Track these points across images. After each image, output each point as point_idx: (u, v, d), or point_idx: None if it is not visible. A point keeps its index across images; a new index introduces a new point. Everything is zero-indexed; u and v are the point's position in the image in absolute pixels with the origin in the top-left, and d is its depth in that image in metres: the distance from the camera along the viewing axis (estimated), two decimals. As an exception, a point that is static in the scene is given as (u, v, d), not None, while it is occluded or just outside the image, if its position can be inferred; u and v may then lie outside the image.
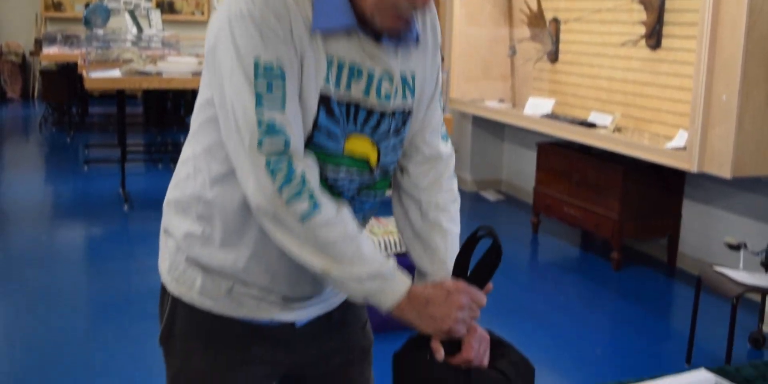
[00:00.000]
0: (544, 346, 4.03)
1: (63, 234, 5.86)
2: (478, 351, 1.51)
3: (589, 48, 5.73)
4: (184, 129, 10.02)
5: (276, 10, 1.40)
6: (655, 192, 5.19)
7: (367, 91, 1.50)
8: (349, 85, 1.47)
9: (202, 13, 12.25)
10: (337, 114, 1.47)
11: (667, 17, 4.94)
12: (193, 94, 9.41)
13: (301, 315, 1.64)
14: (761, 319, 4.21)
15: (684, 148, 4.43)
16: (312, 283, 1.61)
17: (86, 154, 8.45)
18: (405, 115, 1.59)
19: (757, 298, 4.33)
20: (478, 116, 6.98)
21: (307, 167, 1.44)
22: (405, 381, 1.50)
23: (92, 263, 5.25)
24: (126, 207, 6.38)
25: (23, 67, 12.25)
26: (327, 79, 1.45)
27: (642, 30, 5.12)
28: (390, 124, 1.56)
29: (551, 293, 4.87)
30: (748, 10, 3.98)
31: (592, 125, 5.36)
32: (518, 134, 6.99)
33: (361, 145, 1.53)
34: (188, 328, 1.63)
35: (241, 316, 1.60)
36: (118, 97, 7.03)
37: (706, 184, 5.02)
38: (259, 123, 1.40)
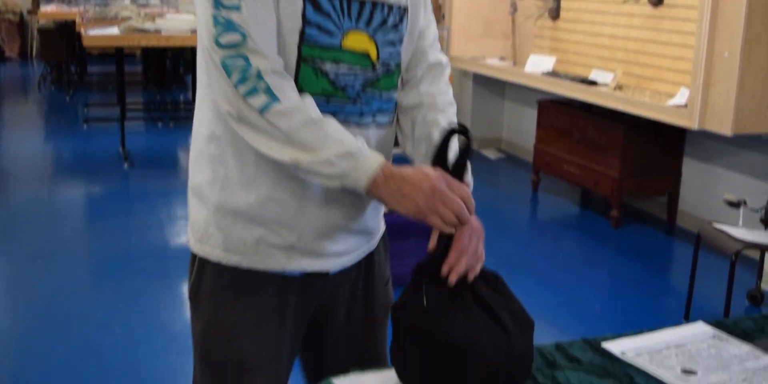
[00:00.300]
0: (544, 303, 4.05)
1: (63, 192, 5.87)
2: (468, 243, 1.51)
3: (590, 5, 5.68)
4: (184, 87, 9.99)
5: None
6: (655, 150, 5.18)
7: None
8: None
9: (201, -29, 12.11)
10: (326, 8, 1.50)
11: (670, -27, 4.89)
12: (192, 52, 9.36)
13: (330, 264, 1.65)
14: (759, 277, 4.23)
15: (685, 106, 4.41)
16: (342, 221, 1.61)
17: (86, 113, 8.43)
18: (401, 11, 1.62)
19: (755, 255, 4.34)
20: (478, 74, 6.95)
21: (269, 65, 1.46)
22: (403, 332, 1.50)
23: (92, 221, 5.26)
24: (126, 165, 6.38)
25: (21, 25, 12.18)
26: None
27: (644, -14, 5.08)
28: (385, 16, 1.59)
29: (550, 251, 4.89)
30: (752, -34, 3.94)
31: (593, 83, 5.33)
32: (519, 92, 6.96)
33: (359, 40, 1.56)
34: (216, 284, 1.63)
35: (271, 269, 1.60)
36: (117, 55, 6.99)
37: (707, 142, 5.01)
38: (215, 20, 1.45)
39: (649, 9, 5.08)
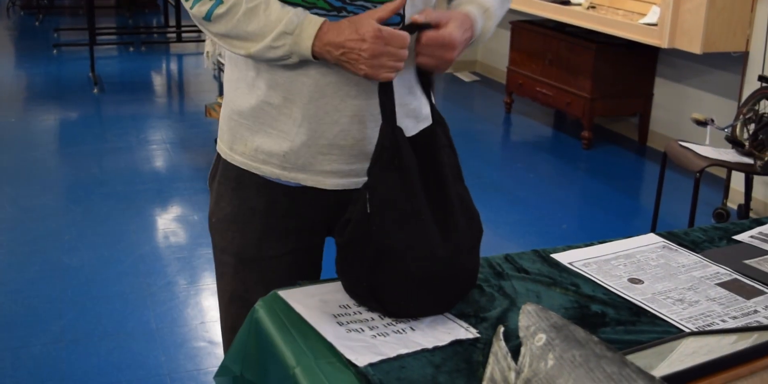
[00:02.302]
0: (512, 221, 4.07)
1: (32, 117, 5.80)
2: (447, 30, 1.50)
3: None
4: (157, 11, 9.83)
5: None
6: (627, 71, 5.15)
7: None
8: None
9: None
10: None
11: None
12: (163, -26, 9.20)
13: (326, 183, 1.65)
14: (726, 195, 4.26)
15: (656, 24, 4.38)
16: (337, 139, 1.60)
17: (56, 38, 8.29)
18: None
19: (723, 174, 4.36)
20: (453, -5, 6.85)
21: None
22: (346, 241, 1.50)
23: (62, 145, 5.22)
24: (96, 90, 6.30)
25: (-12, -53, 11.88)
26: None
27: None
28: None
29: (522, 171, 4.90)
30: None
31: (566, 2, 5.27)
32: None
33: None
34: (223, 177, 1.71)
35: (267, 175, 1.65)
36: (85, -23, 6.85)
37: (678, 62, 4.99)
38: None
39: (623, -74, 5.00)
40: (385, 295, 1.43)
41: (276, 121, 1.60)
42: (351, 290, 1.49)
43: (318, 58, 1.49)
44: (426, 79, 1.61)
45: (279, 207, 1.68)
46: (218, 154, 1.73)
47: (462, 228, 1.51)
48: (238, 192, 1.69)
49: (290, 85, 1.57)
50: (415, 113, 1.67)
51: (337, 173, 1.63)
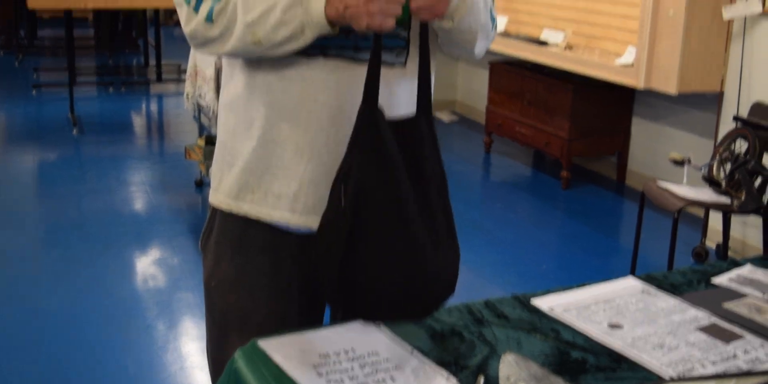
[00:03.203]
0: (492, 262, 4.07)
1: (10, 158, 5.78)
2: None
3: (541, -36, 5.65)
4: (137, 51, 9.85)
5: None
6: (604, 110, 5.20)
7: None
8: None
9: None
10: None
11: (619, -68, 4.87)
12: (144, 14, 9.24)
13: None
14: (704, 234, 4.29)
15: (632, 65, 4.43)
16: None
17: (35, 78, 8.29)
18: None
19: (700, 213, 4.39)
20: (431, 36, 6.91)
21: None
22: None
23: (40, 187, 5.19)
24: (75, 131, 6.29)
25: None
26: None
27: (594, -55, 5.06)
28: None
29: (501, 211, 4.91)
30: (697, -77, 3.93)
31: (543, 43, 5.32)
32: (456, 48, 6.92)
33: None
34: (221, 234, 1.65)
35: (276, 221, 1.60)
36: (66, 17, 6.87)
37: (654, 101, 5.04)
38: None
39: (598, -32, 5.07)
40: (359, 294, 1.42)
41: (282, 156, 1.57)
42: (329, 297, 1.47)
43: (333, 23, 1.45)
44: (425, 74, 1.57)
45: (285, 265, 1.63)
46: (213, 212, 1.68)
47: (442, 230, 1.51)
48: (240, 251, 1.64)
49: (296, 116, 1.54)
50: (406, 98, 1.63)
51: None
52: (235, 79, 1.61)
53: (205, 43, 1.52)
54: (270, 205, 1.60)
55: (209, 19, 1.47)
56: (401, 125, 1.51)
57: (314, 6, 1.43)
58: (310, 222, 1.59)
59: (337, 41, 1.51)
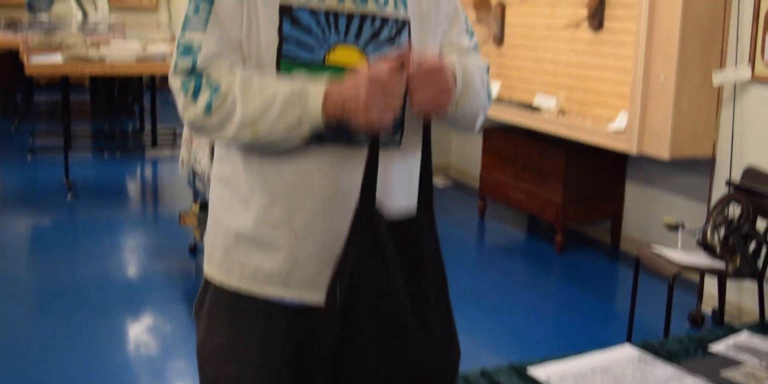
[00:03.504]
0: (487, 328, 4.04)
1: (4, 223, 5.76)
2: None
3: (533, 31, 5.73)
4: (132, 117, 9.92)
5: None
6: (598, 175, 5.22)
7: None
8: None
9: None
10: (306, 22, 1.50)
11: None
12: (140, 80, 9.33)
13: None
14: (700, 299, 4.27)
15: (624, 130, 4.46)
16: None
17: (31, 143, 8.33)
18: (399, 24, 1.59)
19: (696, 278, 4.38)
20: (425, 101, 6.96)
21: (215, 69, 1.51)
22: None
23: (33, 252, 5.17)
24: (69, 196, 6.29)
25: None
26: None
27: (585, 12, 5.13)
28: (376, 29, 1.56)
29: (496, 277, 4.89)
30: (685, -8, 4.01)
31: (536, 109, 5.37)
32: (456, 128, 6.98)
33: (347, 55, 1.54)
34: (214, 304, 1.65)
35: (269, 296, 1.59)
36: (62, 83, 6.93)
37: (647, 165, 5.06)
38: (178, 45, 1.53)
39: (590, 34, 5.14)
40: None
41: (276, 237, 1.57)
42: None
43: (330, 119, 1.47)
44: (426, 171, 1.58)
45: (279, 333, 1.62)
46: (206, 281, 1.68)
47: (437, 329, 1.51)
48: (234, 320, 1.63)
49: (290, 200, 1.54)
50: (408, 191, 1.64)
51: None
52: (231, 157, 1.62)
53: (202, 130, 1.54)
54: (262, 280, 1.60)
55: (208, 110, 1.49)
56: (401, 223, 1.53)
57: (312, 102, 1.46)
58: (305, 295, 1.59)
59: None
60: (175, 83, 1.54)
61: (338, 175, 1.54)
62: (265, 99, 1.47)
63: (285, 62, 1.51)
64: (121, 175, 7.32)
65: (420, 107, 1.50)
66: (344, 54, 1.53)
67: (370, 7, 1.55)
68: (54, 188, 6.56)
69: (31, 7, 9.54)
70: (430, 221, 1.57)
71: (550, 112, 5.26)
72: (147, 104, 8.97)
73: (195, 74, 1.51)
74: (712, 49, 4.14)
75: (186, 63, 1.51)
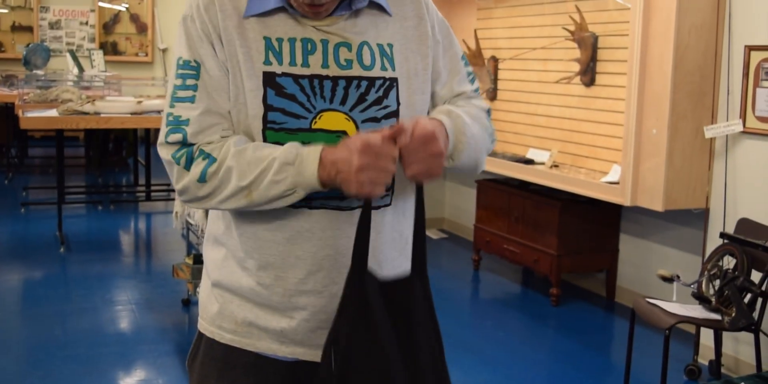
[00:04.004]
0: (483, 382, 4.01)
1: (-4, 277, 5.74)
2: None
3: (526, 85, 5.79)
4: (126, 170, 9.94)
5: (204, 9, 1.52)
6: (592, 227, 5.23)
7: (325, 62, 1.54)
8: (306, 60, 1.53)
9: (146, 54, 12.21)
10: (290, 90, 1.51)
11: (600, 54, 5.02)
12: (134, 134, 9.37)
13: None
14: (696, 351, 4.24)
15: (617, 183, 4.48)
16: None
17: (24, 197, 8.32)
18: (387, 83, 1.58)
19: (692, 329, 4.36)
20: (419, 154, 6.99)
21: (205, 138, 1.53)
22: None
23: (25, 306, 5.13)
24: (62, 249, 6.27)
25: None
26: (267, 61, 1.51)
27: (576, 67, 5.20)
28: (363, 91, 1.55)
29: (491, 330, 4.86)
30: (675, 47, 4.06)
31: (530, 162, 5.40)
32: (459, 172, 7.01)
33: (333, 120, 1.54)
34: (206, 357, 1.66)
35: (262, 351, 1.60)
36: (57, 137, 6.95)
37: (641, 217, 5.07)
38: (168, 116, 1.54)
39: (582, 89, 5.19)
40: None
41: (269, 296, 1.58)
42: None
43: (325, 184, 1.48)
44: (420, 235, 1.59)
45: (272, 382, 1.62)
46: (199, 334, 1.69)
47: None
48: (225, 373, 1.63)
49: (283, 263, 1.56)
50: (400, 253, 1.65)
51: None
52: (225, 219, 1.64)
53: (195, 198, 1.55)
54: (255, 337, 1.61)
55: (202, 179, 1.51)
56: (394, 286, 1.53)
57: (307, 168, 1.47)
58: (299, 353, 1.60)
59: (323, 193, 1.53)
60: (165, 154, 1.55)
61: (330, 239, 1.55)
62: (259, 166, 1.48)
63: (272, 131, 1.52)
64: (114, 228, 7.30)
65: (413, 173, 1.50)
66: (330, 119, 1.54)
67: (356, 70, 1.56)
68: (46, 241, 6.54)
69: (27, 63, 9.61)
70: (423, 282, 1.57)
71: (544, 165, 5.28)
72: (141, 158, 9.00)
73: (186, 145, 1.53)
74: (703, 102, 4.18)
75: (176, 136, 1.53)
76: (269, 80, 1.51)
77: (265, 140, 1.52)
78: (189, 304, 4.94)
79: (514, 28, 5.90)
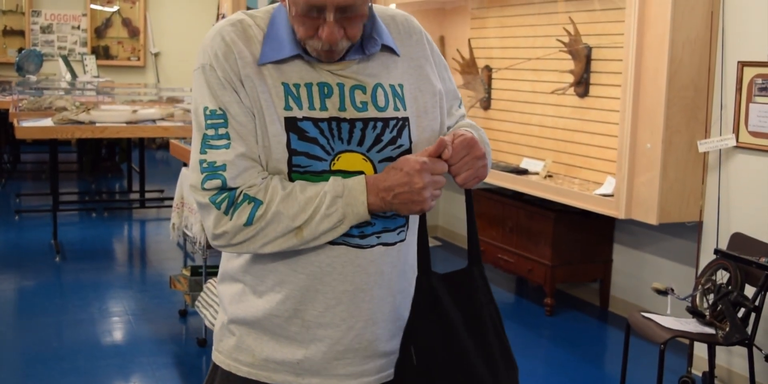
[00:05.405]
0: (479, 395, 4.03)
1: (-8, 286, 5.74)
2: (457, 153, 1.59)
3: (520, 95, 5.82)
4: (119, 176, 9.94)
5: (224, 57, 1.55)
6: (585, 237, 5.27)
7: (342, 105, 1.58)
8: (324, 104, 1.57)
9: (138, 59, 12.21)
10: (312, 134, 1.55)
11: (594, 66, 5.05)
12: (128, 140, 9.37)
13: None
14: (690, 363, 4.28)
15: (612, 195, 4.51)
16: (353, 343, 1.63)
17: (18, 204, 8.32)
18: (399, 123, 1.64)
19: (686, 340, 4.39)
20: (413, 162, 7.01)
21: (250, 186, 1.55)
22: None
23: (20, 317, 5.13)
24: (58, 258, 6.27)
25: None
26: (287, 106, 1.55)
27: (570, 78, 5.23)
28: (379, 132, 1.60)
29: (486, 340, 4.88)
30: (669, 60, 4.09)
31: (523, 172, 5.43)
32: (453, 181, 7.03)
33: (351, 161, 1.58)
34: None
35: (278, 383, 1.64)
36: (51, 145, 6.96)
37: (635, 229, 5.11)
38: (201, 163, 1.55)
39: (575, 100, 5.23)
40: None
41: (288, 328, 1.62)
42: None
43: (372, 211, 1.54)
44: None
45: None
46: (214, 365, 1.72)
47: (502, 372, 1.58)
48: None
49: (303, 297, 1.59)
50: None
51: (351, 375, 1.65)
52: (243, 257, 1.67)
53: (233, 244, 1.57)
54: (272, 370, 1.64)
55: (248, 223, 1.53)
56: (455, 277, 1.66)
57: (357, 198, 1.53)
58: (314, 383, 1.63)
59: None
60: (202, 198, 1.56)
61: (350, 275, 1.60)
62: (311, 204, 1.53)
63: (297, 174, 1.57)
64: (109, 236, 7.30)
65: (464, 180, 1.62)
66: (349, 160, 1.59)
67: (371, 112, 1.61)
68: (41, 249, 6.55)
69: (20, 69, 9.61)
70: (479, 269, 1.70)
71: (537, 175, 5.32)
72: (135, 165, 9.00)
73: (227, 190, 1.55)
74: (696, 117, 4.21)
75: (215, 182, 1.55)
76: (291, 125, 1.55)
77: (290, 181, 1.58)
78: (186, 315, 4.95)
79: (507, 38, 5.93)
